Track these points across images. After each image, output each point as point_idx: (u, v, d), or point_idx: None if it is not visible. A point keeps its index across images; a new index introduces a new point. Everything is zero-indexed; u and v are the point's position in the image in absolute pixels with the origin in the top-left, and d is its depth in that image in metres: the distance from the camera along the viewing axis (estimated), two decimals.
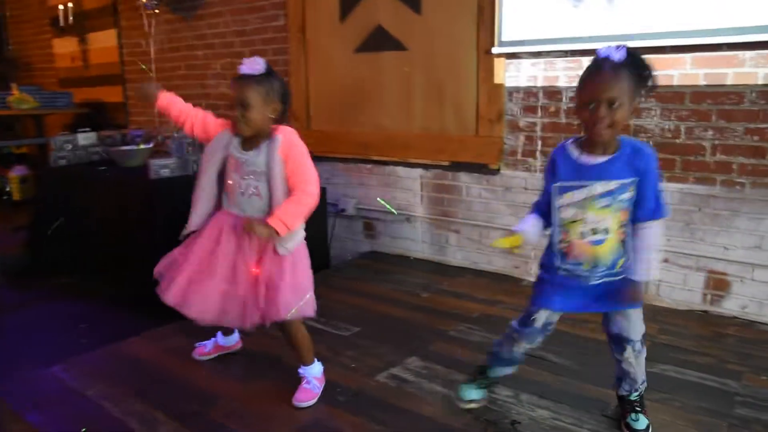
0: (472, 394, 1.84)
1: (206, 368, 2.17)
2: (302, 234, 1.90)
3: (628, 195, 1.52)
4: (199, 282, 1.86)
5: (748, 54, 2.36)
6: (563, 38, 2.76)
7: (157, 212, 2.95)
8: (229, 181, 1.88)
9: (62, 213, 3.46)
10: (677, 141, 2.57)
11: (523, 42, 2.89)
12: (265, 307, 1.83)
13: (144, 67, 4.72)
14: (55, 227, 3.37)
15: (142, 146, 3.44)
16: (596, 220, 1.53)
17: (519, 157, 3.05)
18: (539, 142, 2.97)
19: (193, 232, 1.95)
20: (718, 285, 2.59)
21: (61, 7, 5.68)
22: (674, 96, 2.54)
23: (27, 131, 5.89)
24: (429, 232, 3.46)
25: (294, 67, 3.82)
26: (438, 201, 3.39)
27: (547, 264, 1.66)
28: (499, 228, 3.16)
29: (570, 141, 1.60)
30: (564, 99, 2.85)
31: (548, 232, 1.66)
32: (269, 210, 1.83)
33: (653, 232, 1.55)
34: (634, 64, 1.44)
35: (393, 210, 3.25)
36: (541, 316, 1.67)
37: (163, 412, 1.87)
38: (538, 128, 2.97)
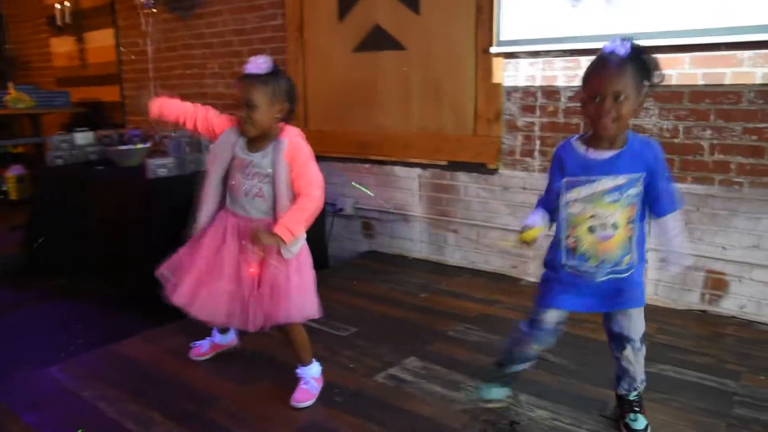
0: (493, 393, 1.82)
1: (203, 368, 2.16)
2: (304, 235, 1.89)
3: (636, 190, 1.52)
4: (208, 283, 1.84)
5: (747, 54, 2.36)
6: (562, 38, 2.76)
7: (155, 212, 2.94)
8: (233, 182, 1.85)
9: (59, 213, 3.45)
10: (675, 140, 2.57)
11: (522, 41, 2.88)
12: (274, 310, 1.81)
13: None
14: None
15: (139, 146, 3.42)
16: (604, 215, 1.53)
17: (517, 156, 3.05)
18: (537, 142, 2.97)
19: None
20: (716, 285, 2.59)
21: (58, 6, 5.66)
22: (672, 95, 2.54)
23: (24, 130, 5.87)
24: (427, 231, 3.45)
25: (292, 67, 3.81)
26: (436, 201, 3.38)
27: (551, 262, 1.66)
28: (498, 228, 3.15)
29: (575, 138, 1.60)
30: (562, 99, 2.85)
31: (552, 228, 1.65)
32: (272, 212, 1.81)
33: (675, 223, 1.56)
34: (640, 58, 1.45)
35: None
36: (550, 317, 1.66)
37: (159, 412, 1.86)
38: (536, 128, 2.96)
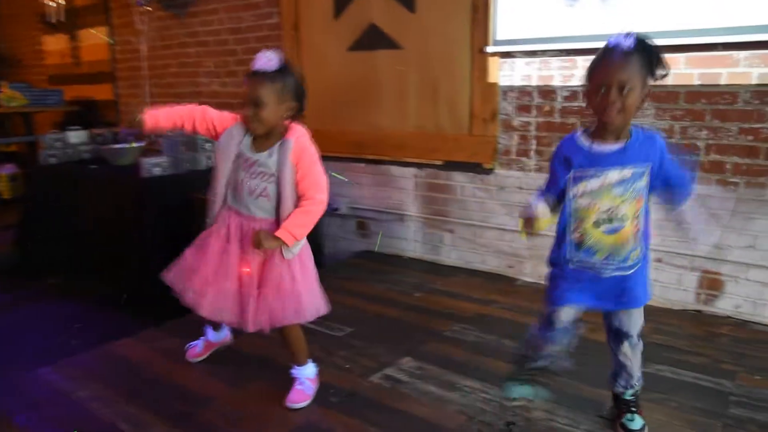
0: (518, 390, 1.79)
1: (198, 369, 2.14)
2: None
3: (642, 183, 1.52)
4: (215, 283, 1.83)
5: (743, 54, 2.36)
6: (558, 37, 2.75)
7: (149, 211, 2.92)
8: (237, 180, 1.81)
9: (52, 211, 3.42)
10: (671, 140, 2.57)
11: (518, 41, 2.88)
12: (282, 311, 1.80)
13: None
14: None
15: (133, 144, 3.41)
16: (612, 208, 1.52)
17: (513, 156, 3.04)
18: (533, 142, 2.96)
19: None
20: (712, 285, 2.60)
21: (52, 3, 5.62)
22: (668, 96, 2.54)
23: (16, 129, 5.82)
24: (422, 231, 3.45)
25: None
26: (432, 200, 3.38)
27: (556, 259, 1.65)
28: (494, 227, 3.15)
29: (578, 132, 1.59)
30: (558, 98, 2.85)
31: (552, 228, 1.63)
32: (276, 212, 1.79)
33: (694, 204, 1.57)
34: (644, 50, 1.45)
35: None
36: (562, 315, 1.64)
37: (154, 413, 1.85)
38: (532, 128, 2.96)
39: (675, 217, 1.61)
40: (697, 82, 2.47)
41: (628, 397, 1.71)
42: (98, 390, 1.99)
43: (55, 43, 5.87)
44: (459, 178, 3.25)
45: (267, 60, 1.73)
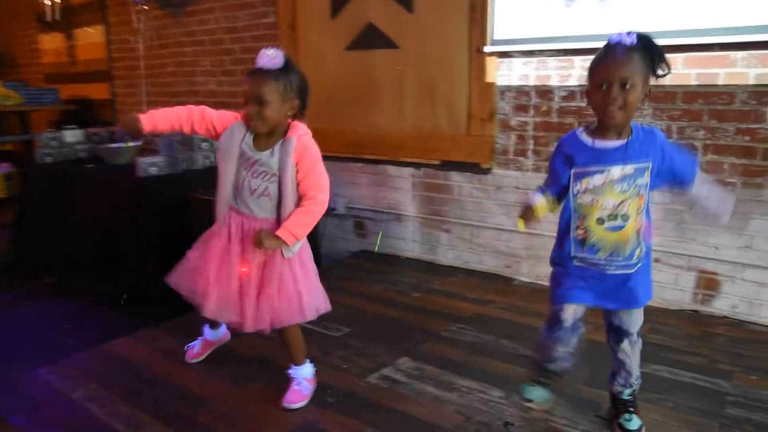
0: (537, 393, 1.77)
1: (195, 370, 2.14)
2: None
3: (644, 180, 1.52)
4: (219, 283, 1.82)
5: (740, 54, 2.37)
6: (555, 37, 2.75)
7: (145, 210, 2.91)
8: (238, 179, 1.79)
9: (48, 211, 3.41)
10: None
11: (515, 41, 2.88)
12: (285, 311, 1.80)
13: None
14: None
15: (130, 144, 3.39)
16: (615, 205, 1.52)
17: (510, 156, 3.04)
18: (531, 142, 2.96)
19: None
20: (708, 285, 2.60)
21: (48, 2, 5.59)
22: (666, 96, 2.54)
23: (12, 128, 5.80)
24: (420, 231, 3.44)
25: None
26: (429, 200, 3.37)
27: (559, 257, 1.64)
28: (491, 227, 3.15)
29: (579, 129, 1.59)
30: (556, 98, 2.85)
31: (548, 227, 1.64)
32: (277, 211, 1.78)
33: (703, 180, 1.57)
34: (646, 47, 1.45)
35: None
36: (567, 314, 1.63)
37: (150, 414, 1.84)
38: (529, 127, 2.96)
39: (688, 199, 1.61)
40: (694, 83, 2.47)
41: (625, 397, 1.72)
42: (95, 390, 1.98)
43: (51, 42, 5.84)
44: (456, 178, 3.24)
45: (271, 57, 1.70)
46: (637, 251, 1.56)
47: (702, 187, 1.58)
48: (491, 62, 3.00)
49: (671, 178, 1.57)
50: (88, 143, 3.66)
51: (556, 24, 2.74)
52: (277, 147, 1.76)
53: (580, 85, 2.76)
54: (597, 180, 1.53)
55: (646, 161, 1.51)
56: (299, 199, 1.78)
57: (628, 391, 1.72)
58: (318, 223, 1.85)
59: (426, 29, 3.21)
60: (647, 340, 2.23)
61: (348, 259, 3.57)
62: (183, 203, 2.97)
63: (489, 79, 3.02)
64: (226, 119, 1.83)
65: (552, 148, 2.85)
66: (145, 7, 4.61)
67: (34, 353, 2.39)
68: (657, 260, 2.65)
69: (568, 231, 1.59)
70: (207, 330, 2.18)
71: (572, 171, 1.56)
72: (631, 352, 1.67)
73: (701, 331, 2.44)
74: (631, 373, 1.69)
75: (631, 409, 1.70)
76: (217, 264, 1.83)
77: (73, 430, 1.79)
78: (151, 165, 2.99)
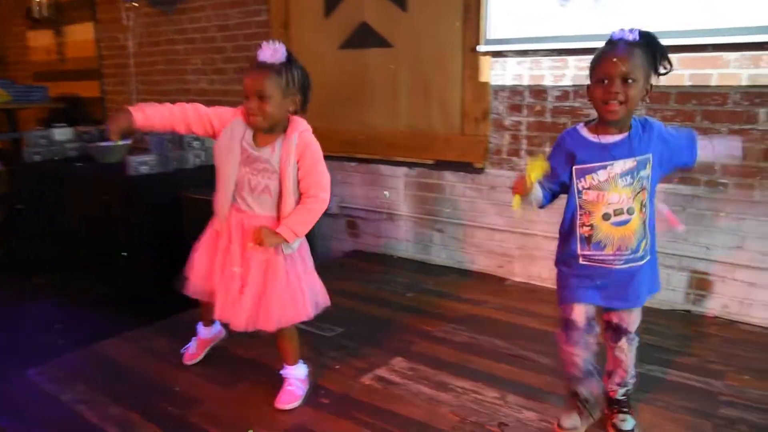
0: (574, 421, 1.71)
1: (187, 370, 2.11)
2: None
3: (646, 172, 1.52)
4: (222, 283, 1.81)
5: (733, 55, 2.38)
6: (549, 37, 2.75)
7: (136, 209, 2.89)
8: (238, 176, 1.76)
9: (37, 210, 3.37)
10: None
11: (509, 40, 2.87)
12: (289, 309, 1.78)
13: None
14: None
15: (120, 142, 3.36)
16: (619, 200, 1.52)
17: (504, 156, 3.04)
18: (524, 141, 2.96)
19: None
20: (700, 285, 2.61)
21: None
22: (659, 96, 2.55)
23: None
24: (413, 230, 3.43)
25: None
26: (422, 200, 3.37)
27: (564, 257, 1.63)
28: (484, 227, 3.15)
29: (580, 125, 1.59)
30: (550, 98, 2.85)
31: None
32: (277, 209, 1.76)
33: (704, 147, 1.57)
34: (649, 44, 1.46)
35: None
36: (578, 315, 1.60)
37: (142, 415, 1.82)
38: (523, 127, 2.96)
39: (699, 161, 1.59)
40: (687, 83, 2.48)
41: (620, 397, 1.72)
42: (85, 392, 1.95)
43: (39, 39, 5.77)
44: (450, 178, 3.24)
45: (273, 51, 1.67)
46: (644, 243, 1.56)
47: (706, 151, 1.57)
48: (485, 62, 2.99)
49: (674, 166, 1.58)
50: (78, 141, 3.62)
51: (550, 24, 2.74)
52: (278, 144, 1.73)
53: (573, 85, 2.76)
54: (601, 176, 1.52)
55: (647, 154, 1.52)
56: (299, 197, 1.76)
57: (622, 391, 1.72)
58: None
59: (420, 28, 3.20)
60: (640, 340, 2.25)
61: (341, 258, 3.56)
62: (174, 202, 2.95)
63: (483, 78, 3.02)
64: (224, 116, 1.78)
65: (546, 149, 2.88)
66: (135, 5, 4.56)
67: (22, 354, 2.36)
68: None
69: (573, 229, 1.58)
70: (201, 328, 2.14)
71: (574, 168, 1.55)
72: (628, 350, 1.67)
73: (693, 331, 2.45)
74: (627, 371, 1.69)
75: (625, 410, 1.70)
76: (220, 264, 1.81)
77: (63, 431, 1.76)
78: (142, 164, 2.97)
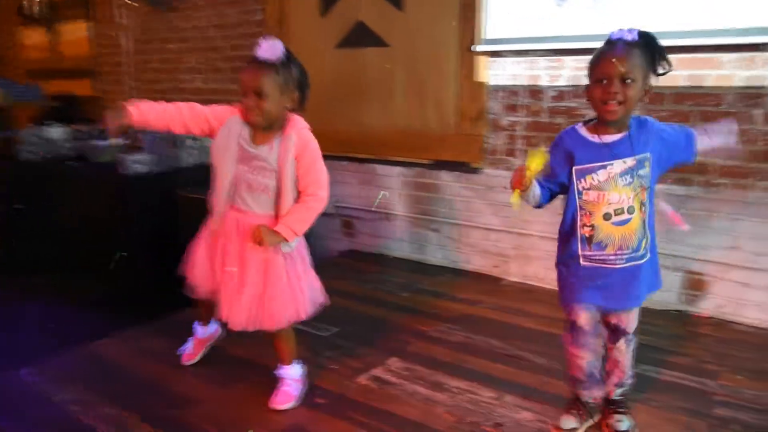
0: (572, 423, 1.72)
1: (182, 370, 2.10)
2: None
3: (645, 171, 1.52)
4: (224, 284, 1.80)
5: (728, 56, 2.39)
6: (546, 37, 2.75)
7: (131, 209, 2.87)
8: (235, 174, 1.75)
9: (31, 209, 3.35)
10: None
11: (506, 40, 2.88)
12: (289, 308, 1.78)
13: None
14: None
15: (114, 141, 3.34)
16: (620, 200, 1.52)
17: (500, 156, 3.04)
18: (521, 142, 2.96)
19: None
20: (694, 285, 2.62)
21: None
22: (655, 97, 2.52)
23: None
24: (408, 230, 3.43)
25: None
26: (418, 199, 3.36)
27: (564, 258, 1.62)
28: (480, 227, 3.15)
29: (579, 124, 1.59)
30: (546, 98, 2.85)
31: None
32: (275, 207, 1.75)
33: (702, 141, 1.57)
34: (648, 44, 1.46)
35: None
36: (583, 319, 1.61)
37: (137, 416, 1.81)
38: (519, 127, 2.96)
39: (700, 153, 1.60)
40: (683, 84, 2.49)
41: (617, 398, 1.72)
42: (78, 392, 1.94)
43: (33, 37, 5.74)
44: (446, 178, 3.24)
45: (271, 48, 1.66)
46: (644, 242, 1.56)
47: (703, 145, 1.58)
48: (482, 61, 2.99)
49: (673, 164, 1.58)
50: (72, 140, 3.60)
51: (547, 24, 2.74)
52: (276, 142, 1.72)
53: (570, 86, 2.77)
54: (601, 176, 1.53)
55: (646, 153, 1.52)
56: (298, 195, 1.75)
57: (619, 391, 1.72)
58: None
59: (416, 28, 3.20)
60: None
61: (336, 258, 3.55)
62: (169, 201, 2.93)
63: (479, 78, 3.02)
64: (221, 114, 1.76)
65: (543, 149, 2.88)
66: (129, 2, 4.54)
67: (16, 354, 2.34)
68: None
69: (574, 229, 1.58)
70: (198, 328, 2.13)
71: (574, 168, 1.55)
72: (626, 350, 1.67)
73: (687, 331, 2.46)
74: (624, 372, 1.70)
75: (621, 410, 1.71)
76: (219, 263, 1.80)
77: None
78: (137, 162, 2.95)
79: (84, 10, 5.08)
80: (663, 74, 1.51)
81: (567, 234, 1.60)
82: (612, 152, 1.51)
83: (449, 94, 3.14)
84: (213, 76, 4.22)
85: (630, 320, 1.65)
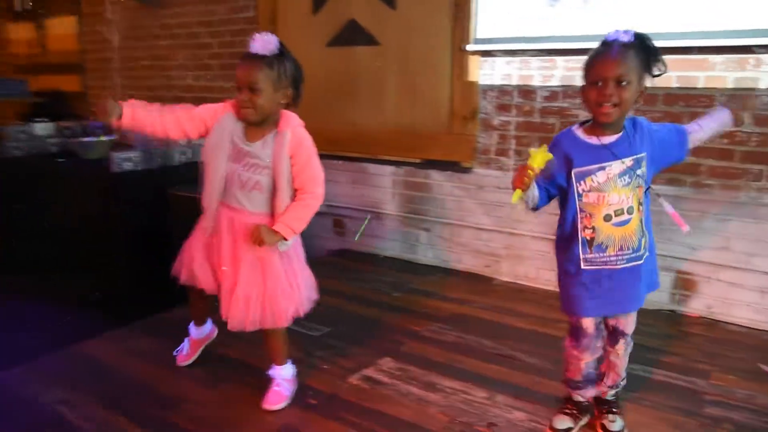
0: (566, 423, 1.72)
1: (172, 370, 2.08)
2: None
3: (641, 170, 1.52)
4: (223, 284, 1.78)
5: (719, 58, 2.40)
6: (538, 37, 2.75)
7: (119, 207, 2.83)
8: (228, 172, 1.72)
9: (17, 206, 3.30)
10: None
11: (498, 40, 2.87)
12: (287, 306, 1.77)
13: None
14: None
15: (103, 138, 3.30)
16: (619, 200, 1.52)
17: (492, 155, 3.04)
18: (513, 141, 2.96)
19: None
20: (685, 285, 2.63)
21: None
22: (647, 98, 2.53)
23: None
24: (399, 230, 3.42)
25: None
26: (409, 199, 3.35)
27: (566, 262, 1.60)
28: (471, 227, 3.14)
29: (575, 126, 1.58)
30: (538, 98, 2.85)
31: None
32: (270, 205, 1.73)
33: (695, 138, 1.59)
34: (642, 46, 1.46)
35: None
36: (587, 322, 1.61)
37: (125, 417, 1.78)
38: (511, 127, 2.96)
39: (695, 141, 1.61)
40: (675, 85, 2.50)
41: (609, 398, 1.72)
42: (65, 393, 1.91)
43: (21, 32, 5.66)
44: (437, 177, 3.23)
45: (265, 42, 1.64)
46: (643, 241, 1.56)
47: (698, 136, 1.60)
48: (474, 61, 2.99)
49: (667, 162, 1.59)
50: (59, 137, 3.55)
51: (539, 24, 2.74)
52: (269, 138, 1.71)
53: (562, 86, 2.77)
54: (600, 177, 1.52)
55: (642, 152, 1.52)
56: (294, 193, 1.74)
57: (612, 392, 1.72)
58: None
59: (408, 26, 3.19)
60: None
61: (327, 257, 3.53)
62: (159, 199, 2.90)
63: (471, 77, 3.01)
64: (214, 112, 1.74)
65: (535, 149, 2.87)
66: None
67: (2, 354, 2.30)
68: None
69: (575, 233, 1.57)
70: (193, 329, 2.09)
71: (573, 171, 1.54)
72: (623, 353, 1.68)
73: (678, 331, 2.47)
74: (619, 374, 1.70)
75: (615, 410, 1.71)
76: (216, 263, 1.78)
77: None
78: (126, 160, 2.91)
79: (73, 5, 5.02)
80: (658, 75, 1.51)
81: (568, 238, 1.59)
82: (609, 153, 1.51)
83: (441, 93, 3.13)
84: (203, 73, 4.18)
85: (629, 322, 1.65)
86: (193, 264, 1.82)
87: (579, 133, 1.56)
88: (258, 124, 1.70)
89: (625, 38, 1.44)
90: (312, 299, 1.86)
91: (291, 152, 1.70)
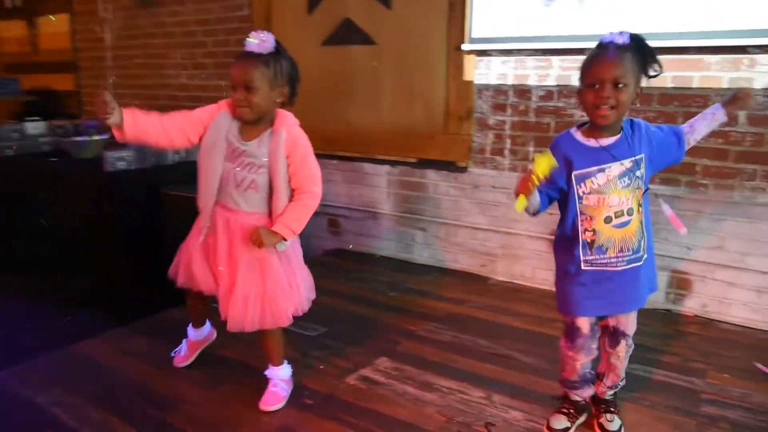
0: (563, 423, 1.72)
1: (168, 371, 2.06)
2: None
3: (640, 171, 1.52)
4: (221, 286, 1.77)
5: (714, 58, 2.41)
6: (534, 37, 2.75)
7: (113, 207, 2.82)
8: (223, 171, 1.71)
9: (8, 206, 3.27)
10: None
11: (494, 39, 2.87)
12: (286, 306, 1.76)
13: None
14: None
15: (96, 137, 3.28)
16: (620, 202, 1.51)
17: (488, 155, 3.04)
18: (508, 141, 2.96)
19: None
20: (680, 284, 2.64)
21: None
22: (642, 97, 2.53)
23: None
24: (395, 229, 3.42)
25: None
26: (405, 198, 3.35)
27: (566, 265, 1.60)
28: (467, 226, 3.14)
29: (573, 129, 1.58)
30: (534, 98, 2.85)
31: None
32: (266, 205, 1.72)
33: (690, 141, 1.60)
34: (639, 47, 1.45)
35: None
36: (583, 323, 1.61)
37: (121, 418, 1.77)
38: (507, 127, 2.96)
39: (690, 141, 1.62)
40: (670, 85, 2.51)
41: (608, 398, 1.72)
42: (60, 394, 1.89)
43: (12, 30, 5.61)
44: (433, 176, 3.23)
45: (261, 41, 1.63)
46: (643, 242, 1.56)
47: (693, 136, 1.60)
48: (469, 60, 2.99)
49: (664, 164, 1.59)
50: (52, 136, 3.52)
51: (535, 24, 2.74)
52: (265, 137, 1.70)
53: (558, 85, 2.77)
54: (600, 179, 1.52)
55: (641, 154, 1.52)
56: (292, 193, 1.73)
57: (611, 392, 1.72)
58: None
59: (404, 26, 3.19)
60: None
61: (322, 257, 3.52)
62: (152, 199, 2.88)
63: (467, 77, 3.01)
64: (210, 112, 1.73)
65: (530, 148, 2.88)
66: None
67: None
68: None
69: (575, 235, 1.56)
70: (191, 330, 2.07)
71: (573, 173, 1.53)
72: (624, 355, 1.67)
73: (674, 330, 2.48)
74: (619, 374, 1.70)
75: (612, 410, 1.71)
76: (213, 262, 1.77)
77: None
78: (119, 159, 2.90)
79: (65, 2, 4.98)
80: (654, 76, 1.50)
81: (568, 241, 1.58)
82: (608, 155, 1.51)
83: (437, 92, 3.13)
84: (198, 72, 4.16)
85: (629, 322, 1.65)
86: (191, 265, 1.81)
87: (577, 135, 1.56)
88: (253, 122, 1.69)
89: (621, 40, 1.44)
90: (311, 299, 1.86)
91: (287, 151, 1.69)
